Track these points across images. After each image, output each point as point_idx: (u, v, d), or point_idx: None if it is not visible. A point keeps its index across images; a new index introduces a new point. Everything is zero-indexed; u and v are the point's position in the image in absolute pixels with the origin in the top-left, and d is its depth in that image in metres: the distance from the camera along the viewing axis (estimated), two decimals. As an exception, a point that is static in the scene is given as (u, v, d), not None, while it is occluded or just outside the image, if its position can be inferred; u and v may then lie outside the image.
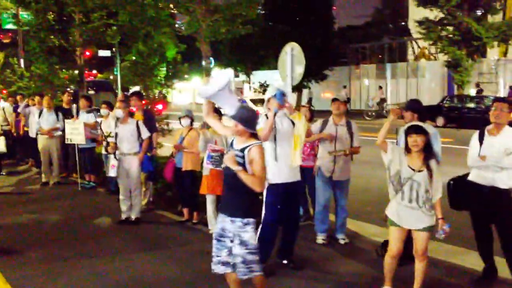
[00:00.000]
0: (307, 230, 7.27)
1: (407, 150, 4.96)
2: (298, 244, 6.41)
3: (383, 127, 5.23)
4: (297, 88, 29.50)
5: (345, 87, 35.24)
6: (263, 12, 33.38)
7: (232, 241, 4.62)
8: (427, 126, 6.22)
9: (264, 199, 5.98)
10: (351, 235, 7.24)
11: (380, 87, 33.98)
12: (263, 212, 5.95)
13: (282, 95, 5.68)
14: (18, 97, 15.40)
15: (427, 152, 4.95)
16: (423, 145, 4.89)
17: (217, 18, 11.16)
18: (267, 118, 5.73)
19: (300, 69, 8.80)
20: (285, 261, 6.20)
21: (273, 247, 6.10)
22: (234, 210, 4.63)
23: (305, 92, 34.88)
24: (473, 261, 6.07)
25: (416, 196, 4.89)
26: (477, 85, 28.46)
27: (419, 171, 4.87)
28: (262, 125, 5.75)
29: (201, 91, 5.05)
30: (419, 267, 5.10)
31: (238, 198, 4.63)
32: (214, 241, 4.72)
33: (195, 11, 10.99)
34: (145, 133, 8.36)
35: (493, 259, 5.72)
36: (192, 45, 13.75)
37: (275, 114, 5.71)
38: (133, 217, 8.29)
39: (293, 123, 6.01)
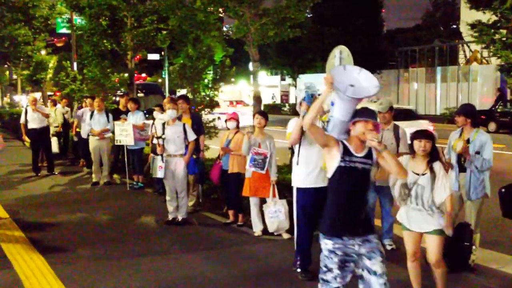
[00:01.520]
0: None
1: (412, 153, 4.96)
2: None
3: None
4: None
5: None
6: (311, 15, 33.28)
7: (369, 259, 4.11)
8: (481, 131, 6.08)
9: (294, 204, 5.94)
10: (398, 241, 7.10)
11: None
12: (295, 218, 5.92)
13: (311, 97, 5.60)
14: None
15: (432, 155, 4.91)
16: (429, 149, 4.87)
17: (265, 22, 11.20)
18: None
19: (348, 73, 8.67)
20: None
21: (310, 252, 5.91)
22: (368, 228, 4.16)
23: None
24: (525, 271, 5.88)
25: (422, 199, 4.87)
26: (499, 89, 27.77)
27: (423, 174, 4.87)
28: (290, 130, 5.73)
29: (361, 92, 4.44)
30: (436, 275, 4.97)
31: (366, 213, 4.25)
32: (337, 272, 4.03)
33: (244, 15, 11.06)
34: (192, 136, 8.45)
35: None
36: (238, 49, 13.86)
37: (303, 117, 5.63)
38: (179, 217, 8.40)
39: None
